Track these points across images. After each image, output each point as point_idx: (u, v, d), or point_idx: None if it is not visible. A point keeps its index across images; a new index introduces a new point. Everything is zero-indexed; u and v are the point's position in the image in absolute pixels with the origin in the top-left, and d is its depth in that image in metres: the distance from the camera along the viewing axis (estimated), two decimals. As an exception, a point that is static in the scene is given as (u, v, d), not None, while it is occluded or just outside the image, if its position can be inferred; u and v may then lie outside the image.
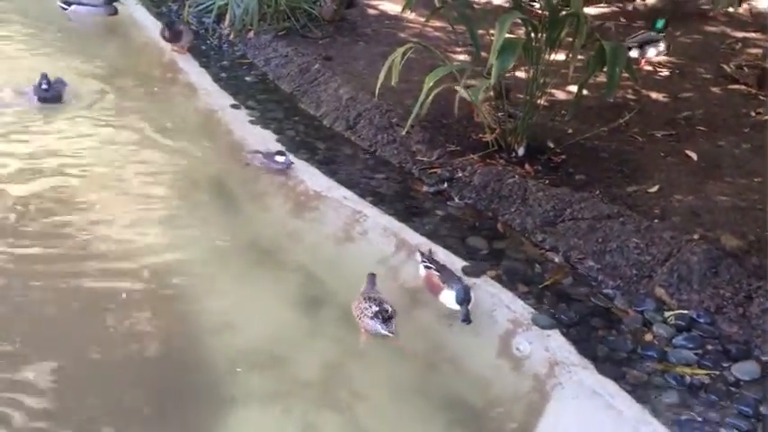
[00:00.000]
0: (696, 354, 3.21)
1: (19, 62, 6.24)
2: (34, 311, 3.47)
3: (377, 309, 3.28)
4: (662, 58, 6.19)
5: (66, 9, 7.27)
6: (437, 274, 3.42)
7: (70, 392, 3.05)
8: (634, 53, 5.96)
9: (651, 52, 6.04)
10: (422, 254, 3.62)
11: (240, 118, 5.33)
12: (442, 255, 3.78)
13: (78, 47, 6.69)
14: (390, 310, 3.30)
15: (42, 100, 5.37)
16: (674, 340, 3.28)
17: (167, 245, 4.01)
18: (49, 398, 3.00)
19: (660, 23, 6.06)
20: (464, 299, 3.24)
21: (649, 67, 6.15)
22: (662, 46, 6.04)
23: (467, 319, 3.21)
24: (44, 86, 5.34)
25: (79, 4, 7.21)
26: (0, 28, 7.08)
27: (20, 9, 7.59)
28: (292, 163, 4.56)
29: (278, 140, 4.99)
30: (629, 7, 7.79)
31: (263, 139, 4.99)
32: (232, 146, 5.04)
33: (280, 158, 4.50)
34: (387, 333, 3.26)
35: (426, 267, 3.50)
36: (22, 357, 3.18)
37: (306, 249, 4.05)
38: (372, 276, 3.48)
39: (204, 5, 7.32)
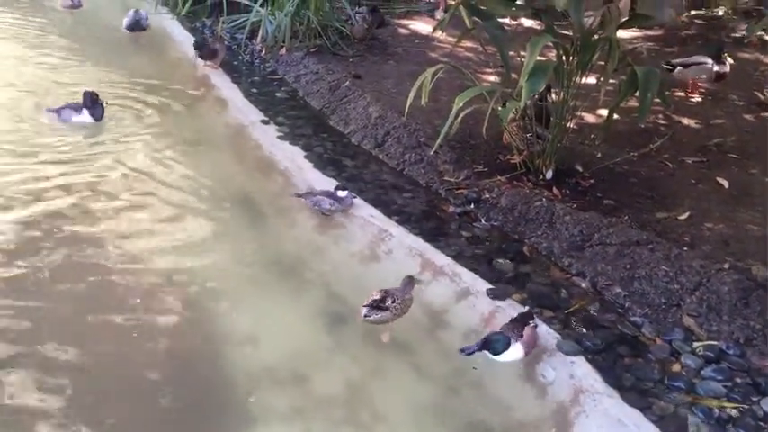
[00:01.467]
0: (725, 386, 3.14)
1: (59, 74, 6.38)
2: (59, 319, 3.50)
3: (377, 297, 3.41)
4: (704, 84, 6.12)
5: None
6: (508, 321, 3.30)
7: (92, 398, 3.07)
8: (678, 74, 5.96)
9: (693, 73, 5.95)
10: (529, 310, 3.45)
11: (269, 133, 5.37)
12: (467, 277, 3.77)
13: (113, 61, 6.82)
14: (388, 304, 3.40)
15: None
16: (702, 371, 3.22)
17: (192, 258, 4.03)
18: (70, 403, 3.02)
19: (715, 49, 5.97)
20: (492, 342, 3.14)
21: (681, 93, 6.10)
22: (710, 70, 5.94)
23: (466, 350, 3.14)
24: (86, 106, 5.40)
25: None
26: (44, 40, 7.25)
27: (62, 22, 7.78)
28: (355, 196, 4.42)
29: (306, 157, 5.02)
30: (662, 32, 7.75)
31: (292, 155, 5.02)
32: (261, 161, 5.09)
33: (342, 193, 4.29)
34: (362, 314, 3.40)
35: (518, 316, 3.35)
36: (46, 362, 3.21)
37: (330, 266, 4.05)
38: (408, 279, 3.58)
39: (237, 21, 7.44)
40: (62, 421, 2.95)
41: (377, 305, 3.41)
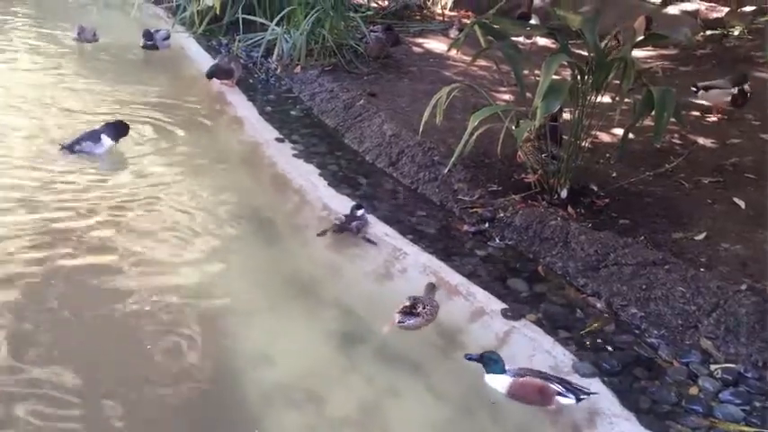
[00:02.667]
0: (743, 410, 3.11)
1: (81, 94, 6.40)
2: (75, 336, 3.52)
3: (408, 304, 3.51)
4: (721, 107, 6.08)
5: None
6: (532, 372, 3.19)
7: (104, 416, 3.06)
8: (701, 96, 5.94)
9: (713, 96, 5.91)
10: (584, 391, 3.08)
11: (284, 151, 5.40)
12: (482, 296, 3.76)
13: (131, 78, 6.88)
14: (419, 310, 3.51)
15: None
16: (720, 395, 3.19)
17: (207, 276, 4.04)
18: (83, 423, 3.02)
19: (739, 76, 5.93)
20: (487, 359, 3.19)
21: (697, 113, 6.07)
22: (728, 94, 5.89)
23: (468, 356, 3.24)
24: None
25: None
26: (68, 60, 7.30)
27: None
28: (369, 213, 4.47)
29: (320, 175, 5.04)
30: (677, 51, 7.74)
31: (307, 173, 5.04)
32: (275, 179, 5.11)
33: (359, 212, 4.32)
34: (398, 321, 3.50)
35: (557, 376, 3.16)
36: (62, 378, 3.21)
37: (344, 285, 4.05)
38: (430, 285, 3.71)
39: (253, 40, 7.51)
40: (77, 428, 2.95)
41: (409, 311, 3.49)
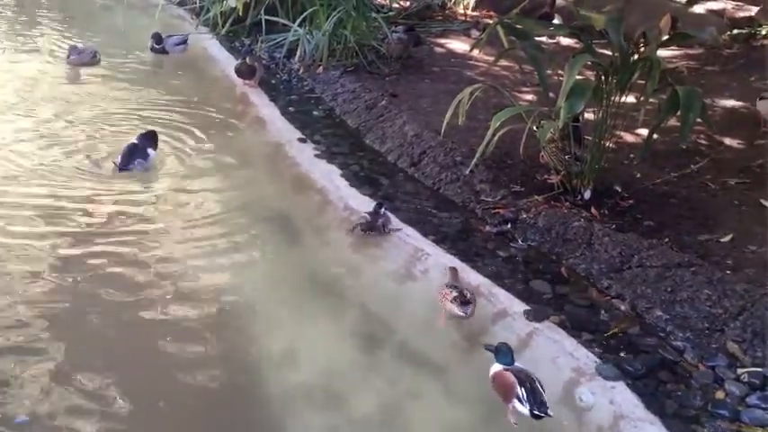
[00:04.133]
0: (771, 415, 3.05)
1: (101, 105, 6.37)
2: (96, 336, 3.56)
3: (456, 294, 3.53)
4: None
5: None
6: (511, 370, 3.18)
7: (127, 415, 3.09)
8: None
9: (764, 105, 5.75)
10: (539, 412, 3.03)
11: (306, 152, 5.41)
12: (504, 297, 3.74)
13: (154, 79, 6.95)
14: (469, 296, 3.54)
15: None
16: (747, 399, 3.13)
17: (229, 276, 4.07)
18: (106, 422, 3.05)
19: None
20: (499, 348, 3.19)
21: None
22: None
23: (486, 345, 3.27)
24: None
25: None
26: (85, 71, 7.32)
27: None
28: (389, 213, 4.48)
29: (342, 175, 5.04)
30: (701, 51, 7.64)
31: (329, 173, 5.05)
32: (298, 179, 5.13)
33: (380, 210, 4.34)
34: (461, 314, 3.51)
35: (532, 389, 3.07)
36: (83, 377, 3.25)
37: (366, 285, 4.05)
38: (453, 270, 3.73)
39: (276, 41, 7.54)
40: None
41: (465, 301, 3.51)
